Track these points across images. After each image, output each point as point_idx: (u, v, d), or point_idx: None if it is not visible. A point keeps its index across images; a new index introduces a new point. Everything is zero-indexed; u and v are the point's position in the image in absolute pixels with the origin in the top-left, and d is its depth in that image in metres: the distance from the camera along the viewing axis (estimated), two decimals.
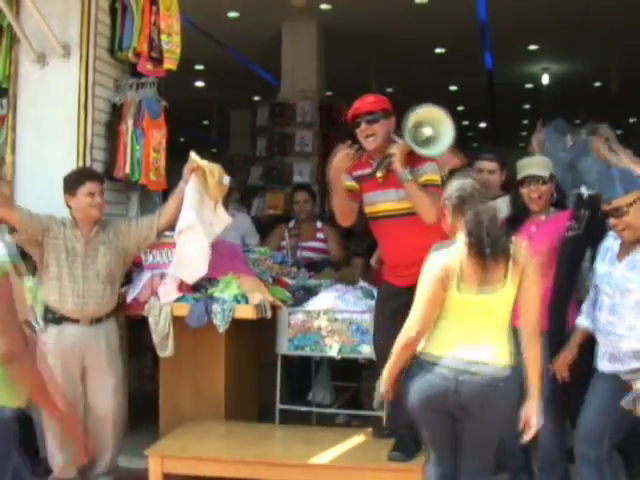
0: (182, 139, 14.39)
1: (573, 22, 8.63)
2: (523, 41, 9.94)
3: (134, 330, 4.53)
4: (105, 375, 4.00)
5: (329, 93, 9.90)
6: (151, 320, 4.21)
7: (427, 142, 3.68)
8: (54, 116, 4.54)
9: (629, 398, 3.11)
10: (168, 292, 4.26)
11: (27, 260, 3.89)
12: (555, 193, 3.85)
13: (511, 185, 4.12)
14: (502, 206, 3.84)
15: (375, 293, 4.28)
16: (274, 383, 4.42)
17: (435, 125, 3.66)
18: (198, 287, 4.30)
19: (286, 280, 4.68)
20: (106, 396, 3.99)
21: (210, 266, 4.23)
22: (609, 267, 3.33)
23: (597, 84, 12.28)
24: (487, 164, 4.34)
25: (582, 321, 3.49)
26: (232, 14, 8.67)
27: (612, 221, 3.27)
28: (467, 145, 11.50)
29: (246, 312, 4.16)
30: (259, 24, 8.86)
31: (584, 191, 3.80)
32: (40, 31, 4.45)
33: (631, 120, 15.45)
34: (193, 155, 4.20)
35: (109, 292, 4.06)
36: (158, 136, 4.62)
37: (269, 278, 4.55)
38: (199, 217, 4.15)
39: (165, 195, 4.78)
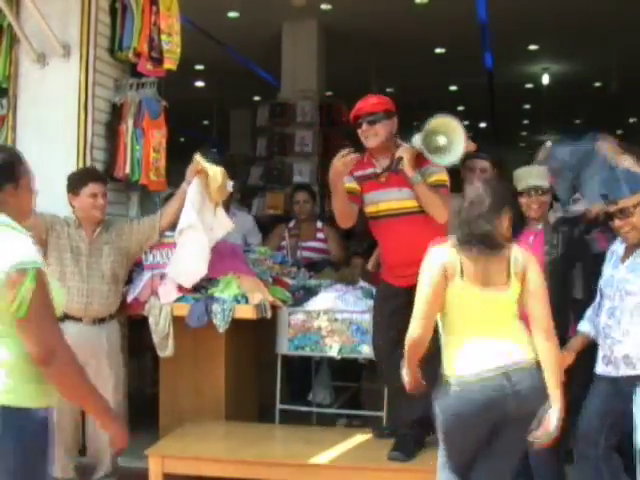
0: (182, 139, 14.39)
1: (573, 22, 8.63)
2: (523, 41, 9.93)
3: (134, 330, 4.53)
4: (105, 375, 4.00)
5: (329, 93, 9.90)
6: (151, 320, 4.21)
7: (438, 150, 3.71)
8: (54, 116, 4.54)
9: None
10: (168, 292, 4.26)
11: None
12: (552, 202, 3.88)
13: None
14: None
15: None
16: (274, 383, 4.42)
17: (449, 134, 3.69)
18: (198, 287, 4.30)
19: (286, 280, 4.68)
20: (106, 397, 3.97)
21: (210, 266, 4.24)
22: (612, 270, 3.33)
23: (597, 84, 12.27)
24: (479, 162, 4.40)
25: (582, 326, 3.48)
26: (232, 14, 8.66)
27: (617, 222, 3.27)
28: None
29: (246, 312, 4.16)
30: (259, 24, 8.85)
31: (555, 213, 3.85)
32: (40, 31, 4.45)
33: (631, 120, 15.46)
34: (198, 157, 4.20)
35: (113, 293, 4.07)
36: (158, 136, 4.63)
37: (269, 278, 4.55)
38: (200, 218, 4.15)
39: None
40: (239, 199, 7.90)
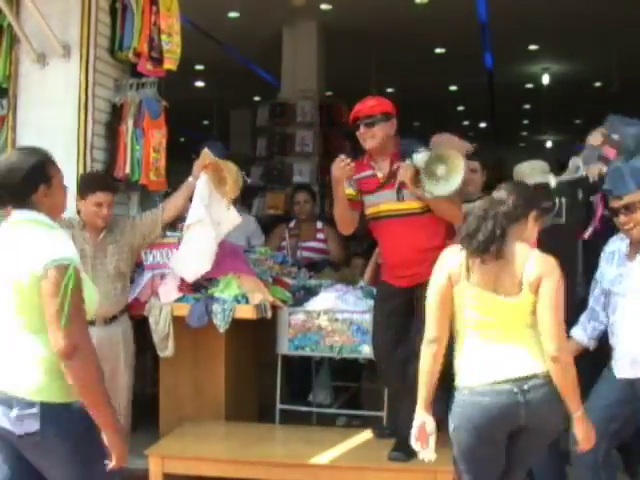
0: (182, 139, 14.39)
1: (573, 22, 8.64)
2: (523, 41, 9.94)
3: (134, 330, 4.52)
4: (120, 374, 4.01)
5: (329, 93, 9.90)
6: (151, 320, 4.22)
7: (433, 177, 3.66)
8: (54, 116, 4.53)
9: None
10: (168, 292, 4.26)
11: None
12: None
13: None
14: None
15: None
16: (274, 383, 4.42)
17: (448, 165, 3.65)
18: (198, 287, 4.31)
19: (286, 280, 4.68)
20: (119, 396, 3.96)
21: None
22: (619, 269, 3.24)
23: (597, 84, 12.28)
24: (469, 163, 4.38)
25: (576, 333, 3.42)
26: (232, 14, 8.66)
27: (622, 218, 3.19)
28: None
29: (246, 312, 4.16)
30: (259, 24, 8.86)
31: (551, 179, 3.80)
32: (40, 31, 4.45)
33: None
34: (206, 151, 4.19)
35: (120, 290, 4.08)
36: (158, 136, 4.63)
37: (269, 278, 4.55)
38: (208, 213, 4.15)
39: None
40: (239, 199, 7.88)
